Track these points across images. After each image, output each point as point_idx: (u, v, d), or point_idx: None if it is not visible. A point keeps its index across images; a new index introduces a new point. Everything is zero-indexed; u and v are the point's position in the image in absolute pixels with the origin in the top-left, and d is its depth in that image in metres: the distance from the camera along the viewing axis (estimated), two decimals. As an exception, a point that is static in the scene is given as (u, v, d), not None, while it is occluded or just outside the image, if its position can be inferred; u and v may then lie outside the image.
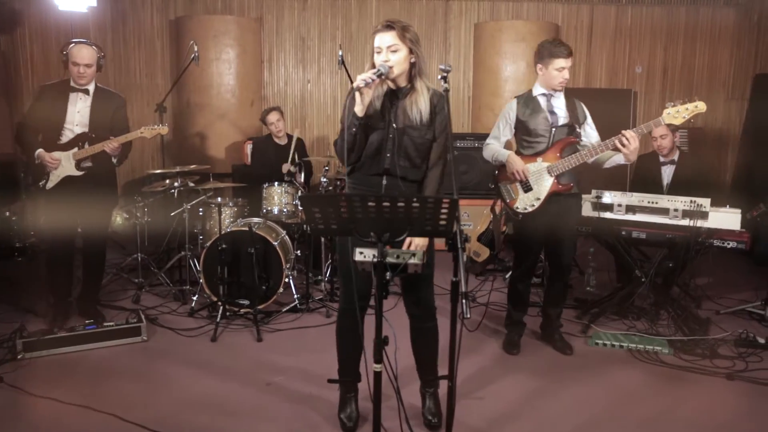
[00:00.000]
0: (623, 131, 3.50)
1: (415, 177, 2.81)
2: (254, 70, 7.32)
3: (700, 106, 3.54)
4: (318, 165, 6.20)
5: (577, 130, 3.71)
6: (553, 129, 3.71)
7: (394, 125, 2.74)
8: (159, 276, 5.11)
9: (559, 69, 3.63)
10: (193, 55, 5.37)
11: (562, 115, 3.72)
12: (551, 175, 3.71)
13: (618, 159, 3.65)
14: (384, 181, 2.76)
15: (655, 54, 7.81)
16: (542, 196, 3.73)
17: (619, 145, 3.50)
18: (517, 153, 3.84)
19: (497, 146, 3.88)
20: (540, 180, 3.73)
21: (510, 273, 5.31)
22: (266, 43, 7.61)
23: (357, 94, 2.59)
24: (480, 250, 5.71)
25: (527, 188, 3.76)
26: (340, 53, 5.41)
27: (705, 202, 4.04)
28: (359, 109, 2.64)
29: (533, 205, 3.75)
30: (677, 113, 3.54)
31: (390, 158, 2.74)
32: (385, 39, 2.67)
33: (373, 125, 2.73)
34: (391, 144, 2.74)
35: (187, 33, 6.90)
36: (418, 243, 2.67)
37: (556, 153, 3.70)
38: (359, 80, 2.57)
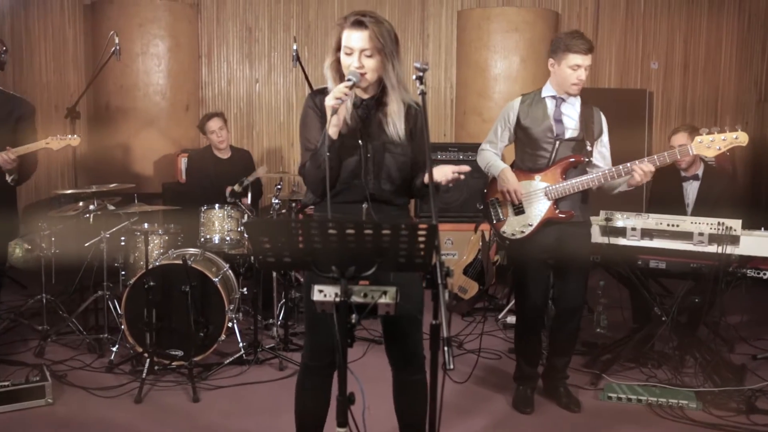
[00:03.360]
0: (637, 164, 3.59)
1: (401, 201, 2.86)
2: (190, 67, 7.31)
3: (741, 137, 3.62)
4: (269, 183, 6.17)
5: (588, 147, 3.73)
6: (557, 142, 3.74)
7: (370, 142, 2.77)
8: (69, 322, 5.03)
9: (574, 67, 3.65)
10: (113, 48, 5.34)
11: (572, 126, 3.75)
12: (549, 199, 3.75)
13: (625, 186, 3.75)
14: (365, 209, 2.78)
15: (674, 47, 8.01)
16: (534, 222, 3.77)
17: (638, 172, 3.59)
18: (514, 166, 3.89)
19: (492, 155, 3.92)
20: (534, 202, 3.77)
21: (507, 315, 5.41)
22: (204, 33, 7.62)
23: (331, 113, 2.60)
24: (467, 285, 5.74)
25: (518, 210, 3.81)
26: (295, 47, 5.43)
27: (736, 224, 4.10)
28: (334, 131, 2.65)
29: (523, 232, 3.79)
30: (711, 143, 3.63)
31: (372, 181, 2.77)
32: (358, 40, 2.68)
33: (346, 144, 2.74)
34: (371, 165, 2.77)
35: (105, 21, 6.88)
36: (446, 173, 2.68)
37: (558, 172, 3.74)
38: (332, 99, 2.58)
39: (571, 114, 3.77)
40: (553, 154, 3.75)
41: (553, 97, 3.78)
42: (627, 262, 4.41)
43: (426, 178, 2.74)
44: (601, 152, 3.83)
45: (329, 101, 2.60)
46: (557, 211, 3.74)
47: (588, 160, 3.75)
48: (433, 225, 2.11)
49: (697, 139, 3.66)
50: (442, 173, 2.68)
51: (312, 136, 2.79)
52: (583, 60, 3.63)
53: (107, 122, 6.99)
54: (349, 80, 2.64)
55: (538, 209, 3.76)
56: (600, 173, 3.69)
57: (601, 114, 3.85)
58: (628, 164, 3.63)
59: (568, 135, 3.74)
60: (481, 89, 7.17)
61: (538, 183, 3.77)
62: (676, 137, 4.84)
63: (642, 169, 3.59)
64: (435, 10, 7.83)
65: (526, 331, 3.99)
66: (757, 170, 8.08)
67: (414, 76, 2.51)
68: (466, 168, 2.64)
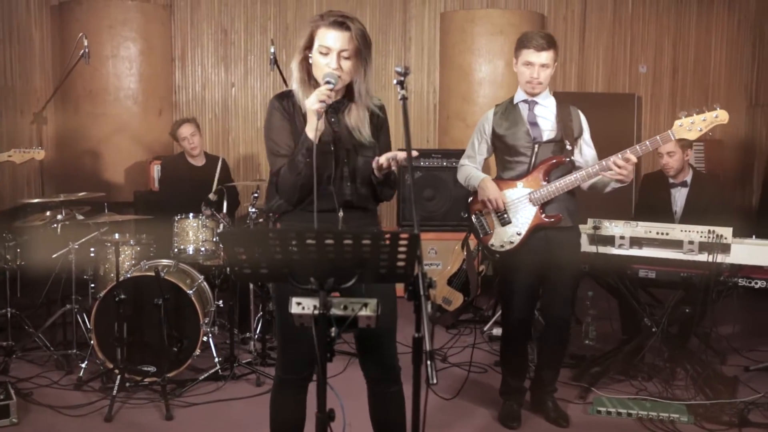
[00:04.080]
0: (612, 158, 3.58)
1: (372, 206, 2.90)
2: (163, 71, 7.30)
3: (721, 115, 3.62)
4: (245, 191, 6.16)
5: (567, 147, 3.76)
6: (536, 146, 3.77)
7: (341, 147, 2.79)
8: (35, 337, 4.99)
9: (526, 63, 3.68)
10: (82, 51, 5.33)
11: (548, 128, 3.78)
12: (534, 205, 3.78)
13: (614, 183, 3.76)
14: (341, 217, 2.79)
15: (663, 50, 8.09)
16: (523, 231, 3.79)
17: (613, 167, 3.58)
18: (497, 178, 3.92)
19: (471, 168, 3.95)
20: (520, 210, 3.79)
21: (494, 327, 5.42)
22: (178, 36, 7.61)
23: (314, 115, 2.60)
24: (451, 296, 5.75)
25: (505, 221, 3.83)
26: (273, 50, 5.44)
27: (726, 231, 4.14)
28: (314, 135, 2.65)
29: (512, 242, 3.81)
30: (691, 125, 3.64)
31: (349, 186, 2.79)
32: (337, 40, 2.69)
33: (319, 149, 2.73)
34: (347, 169, 2.79)
35: (74, 22, 6.85)
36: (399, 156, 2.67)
37: (540, 176, 3.76)
38: (315, 102, 2.58)
39: (546, 115, 3.80)
40: (533, 159, 3.77)
41: (525, 101, 3.81)
42: (616, 271, 4.44)
43: (376, 169, 2.74)
44: (585, 152, 3.86)
45: (313, 104, 2.60)
46: (544, 216, 3.76)
47: (569, 160, 3.77)
48: (415, 234, 2.12)
49: (677, 122, 3.65)
50: (385, 156, 2.69)
51: (282, 140, 2.79)
52: (537, 57, 3.64)
53: (76, 128, 6.96)
54: (328, 82, 2.65)
55: (525, 217, 3.78)
56: (583, 171, 3.70)
57: (579, 112, 3.87)
58: (611, 159, 3.64)
59: (546, 137, 3.77)
60: (465, 93, 7.21)
61: (522, 189, 3.79)
62: (665, 144, 4.88)
63: (617, 164, 3.58)
64: (417, 11, 7.86)
65: (512, 344, 4.00)
66: (747, 176, 8.17)
67: (395, 81, 2.52)
68: (414, 153, 2.58)
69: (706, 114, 3.62)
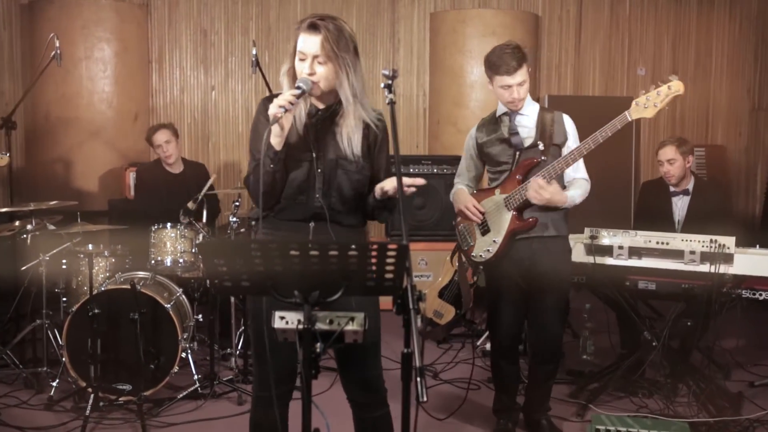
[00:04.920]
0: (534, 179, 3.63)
1: (352, 222, 2.87)
2: (139, 73, 7.28)
3: (675, 86, 3.57)
4: (226, 200, 6.15)
5: (540, 147, 3.75)
6: (518, 153, 3.80)
7: (322, 156, 2.78)
8: (3, 354, 4.96)
9: (504, 87, 3.72)
10: (53, 53, 5.31)
11: (526, 135, 3.81)
12: (509, 209, 3.79)
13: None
14: (312, 228, 2.79)
15: (662, 52, 8.14)
16: (499, 238, 3.80)
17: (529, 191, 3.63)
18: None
19: (457, 186, 4.02)
20: (498, 217, 3.82)
21: (487, 341, 5.41)
22: (155, 36, 7.60)
23: (272, 121, 2.60)
24: (442, 309, 5.75)
25: (485, 230, 3.86)
26: (255, 51, 5.44)
27: (729, 241, 4.15)
28: (277, 141, 2.66)
29: (489, 251, 3.82)
30: (647, 102, 3.60)
31: (320, 199, 2.78)
32: (310, 44, 2.69)
33: (294, 156, 2.75)
34: (320, 181, 2.78)
35: (45, 22, 6.83)
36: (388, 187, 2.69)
37: (516, 181, 3.77)
38: (275, 107, 2.59)
39: (526, 123, 3.83)
40: (513, 166, 3.81)
41: (506, 113, 3.85)
42: (614, 283, 4.45)
43: (378, 191, 2.75)
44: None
45: (272, 109, 2.60)
46: (518, 221, 3.76)
47: (544, 159, 3.74)
48: (404, 244, 2.12)
49: (633, 102, 3.62)
50: (393, 184, 2.70)
51: (260, 145, 2.79)
52: (512, 79, 3.68)
53: (47, 134, 6.92)
54: (298, 87, 2.65)
55: (502, 223, 3.80)
56: (549, 166, 3.67)
57: (565, 117, 3.87)
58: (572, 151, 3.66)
59: (527, 144, 3.80)
60: (456, 97, 7.23)
61: (498, 197, 3.82)
62: (664, 151, 4.91)
63: (533, 184, 3.62)
64: (406, 12, 7.88)
65: (501, 360, 4.01)
66: (750, 182, 8.22)
67: (382, 84, 2.53)
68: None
69: (660, 88, 3.58)
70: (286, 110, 2.60)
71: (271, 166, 2.67)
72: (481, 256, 3.85)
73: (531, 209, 3.75)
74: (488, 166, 3.94)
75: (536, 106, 3.86)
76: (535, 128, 3.80)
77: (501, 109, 3.86)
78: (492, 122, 3.90)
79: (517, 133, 3.80)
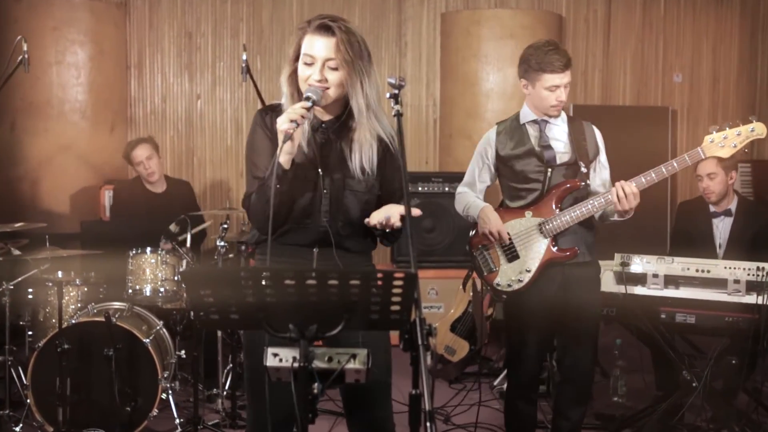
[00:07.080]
0: (620, 183, 3.60)
1: (361, 247, 2.88)
2: (116, 80, 7.31)
3: (758, 129, 3.67)
4: (214, 221, 6.16)
5: (583, 170, 3.78)
6: (549, 170, 3.79)
7: (328, 176, 2.79)
8: (-37, 395, 4.96)
9: (551, 88, 3.72)
10: (21, 57, 5.33)
11: (562, 150, 3.81)
12: (545, 237, 3.78)
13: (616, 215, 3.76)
14: (316, 254, 2.80)
15: (701, 56, 8.15)
16: (533, 267, 3.79)
17: (614, 199, 3.60)
18: (502, 206, 3.94)
19: (470, 196, 3.96)
20: (529, 243, 3.80)
21: (505, 381, 5.39)
22: (134, 39, 7.64)
23: (283, 138, 2.60)
24: (455, 345, 5.73)
25: (512, 256, 3.83)
26: (245, 57, 5.46)
27: (777, 268, 4.17)
28: (286, 159, 2.66)
29: (521, 281, 3.80)
30: (724, 141, 3.67)
31: (327, 222, 2.79)
32: (321, 47, 2.70)
33: (299, 175, 2.75)
34: (327, 203, 2.79)
35: (11, 23, 6.86)
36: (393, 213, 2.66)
37: (552, 204, 3.77)
38: (285, 122, 2.59)
39: (559, 136, 3.83)
40: (546, 185, 3.79)
41: (535, 121, 3.84)
42: (648, 315, 4.43)
43: (372, 219, 2.72)
44: (601, 175, 3.88)
45: (282, 124, 2.60)
46: (556, 249, 3.77)
47: (585, 184, 3.78)
48: (412, 273, 2.11)
49: (707, 138, 3.67)
50: (382, 214, 2.68)
51: (261, 162, 2.80)
52: (561, 78, 3.69)
53: (12, 147, 6.94)
54: (307, 98, 2.65)
55: (536, 251, 3.78)
56: (602, 198, 3.69)
57: (594, 128, 3.90)
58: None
59: (560, 160, 3.79)
60: (470, 108, 7.24)
61: (530, 219, 3.80)
62: (704, 164, 4.88)
63: (618, 194, 3.58)
64: (414, 12, 7.89)
65: (519, 400, 3.98)
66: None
67: (387, 94, 2.53)
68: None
69: (740, 128, 3.66)
70: (298, 125, 2.61)
71: (278, 186, 2.66)
72: (509, 285, 3.82)
73: (563, 234, 3.76)
74: (508, 180, 3.90)
75: (564, 116, 3.88)
76: (568, 142, 3.80)
77: (528, 115, 3.85)
78: (515, 129, 3.87)
79: (549, 147, 3.79)
